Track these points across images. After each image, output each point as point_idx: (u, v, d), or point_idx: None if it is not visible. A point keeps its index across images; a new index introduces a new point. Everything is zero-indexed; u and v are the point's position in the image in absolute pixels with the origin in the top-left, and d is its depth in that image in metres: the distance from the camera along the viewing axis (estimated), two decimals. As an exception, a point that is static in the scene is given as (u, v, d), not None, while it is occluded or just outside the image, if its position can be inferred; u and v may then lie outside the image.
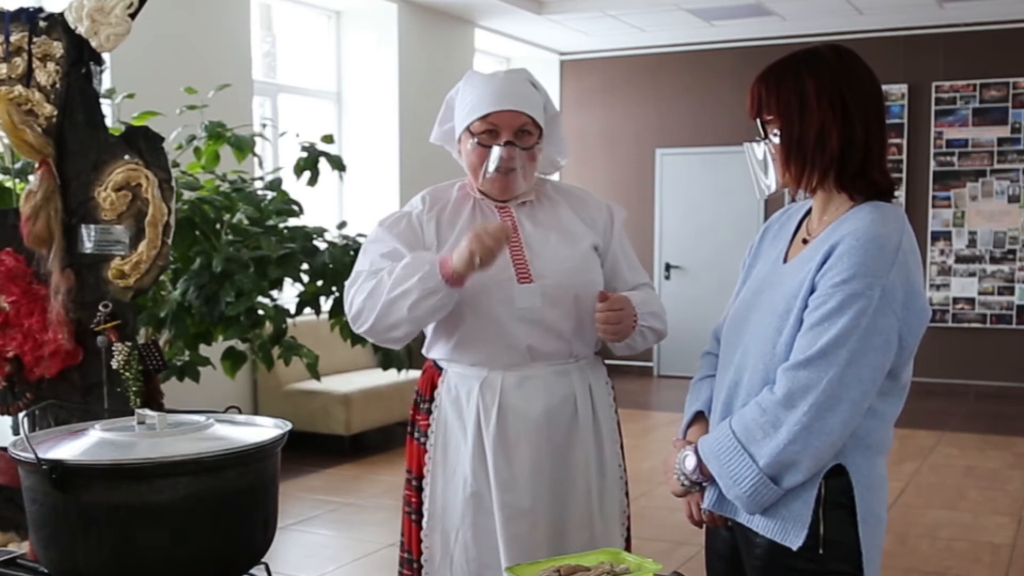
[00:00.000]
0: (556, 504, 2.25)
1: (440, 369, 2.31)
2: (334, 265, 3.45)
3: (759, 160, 1.87)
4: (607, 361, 2.42)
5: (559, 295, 2.24)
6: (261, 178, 3.96)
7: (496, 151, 2.21)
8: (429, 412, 2.29)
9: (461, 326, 2.23)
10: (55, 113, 2.22)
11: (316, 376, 3.58)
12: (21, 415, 2.22)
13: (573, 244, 2.31)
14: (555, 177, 2.53)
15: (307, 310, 3.57)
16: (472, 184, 2.34)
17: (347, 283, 2.27)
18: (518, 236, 2.28)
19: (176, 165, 3.35)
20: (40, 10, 2.29)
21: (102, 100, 2.31)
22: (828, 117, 1.76)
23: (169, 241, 2.21)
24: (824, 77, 1.77)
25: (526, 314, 2.22)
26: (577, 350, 2.30)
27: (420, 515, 2.28)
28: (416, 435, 2.33)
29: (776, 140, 1.81)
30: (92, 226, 2.21)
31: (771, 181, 1.86)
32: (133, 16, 2.21)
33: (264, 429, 1.66)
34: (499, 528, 2.20)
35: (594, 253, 2.34)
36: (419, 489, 2.30)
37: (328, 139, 3.87)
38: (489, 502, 2.22)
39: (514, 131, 2.24)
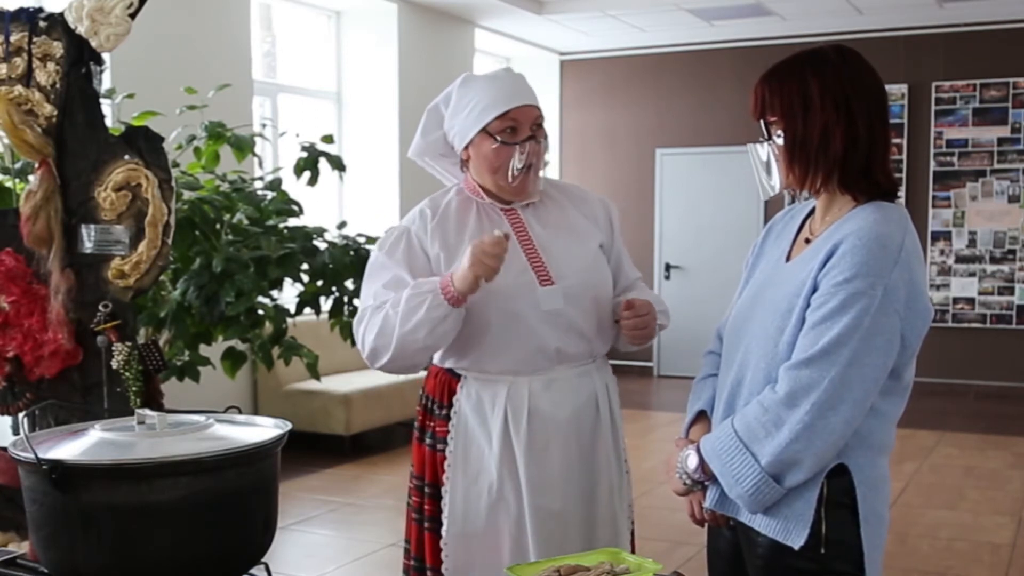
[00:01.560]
0: (585, 503, 2.26)
1: (458, 376, 2.28)
2: (334, 265, 3.44)
3: (763, 161, 1.87)
4: (613, 361, 2.44)
5: (579, 294, 2.25)
6: (261, 178, 3.96)
7: (527, 147, 2.21)
8: (447, 419, 2.26)
9: (488, 335, 2.21)
10: (55, 113, 2.22)
11: (316, 376, 3.58)
12: (21, 415, 2.22)
13: (583, 243, 2.32)
14: (551, 174, 2.52)
15: (307, 310, 3.56)
16: (473, 187, 2.31)
17: (355, 320, 2.27)
18: (530, 239, 2.28)
19: (176, 165, 3.35)
20: (40, 10, 2.29)
21: (102, 100, 2.31)
22: (832, 118, 1.76)
23: (169, 241, 2.21)
24: (828, 78, 1.77)
25: (552, 316, 2.21)
26: (596, 350, 2.32)
27: (436, 522, 2.26)
28: (429, 441, 2.29)
29: (780, 141, 1.81)
30: (92, 226, 2.21)
31: (775, 182, 1.86)
32: (133, 16, 2.21)
33: (264, 429, 1.66)
34: (531, 531, 2.20)
35: (601, 251, 2.35)
36: (433, 496, 2.27)
37: (328, 139, 3.87)
38: (515, 506, 2.21)
39: (531, 125, 2.23)
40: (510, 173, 2.22)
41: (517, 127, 2.21)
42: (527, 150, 2.21)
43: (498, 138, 2.21)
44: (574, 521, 2.24)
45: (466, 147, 2.28)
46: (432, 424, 2.30)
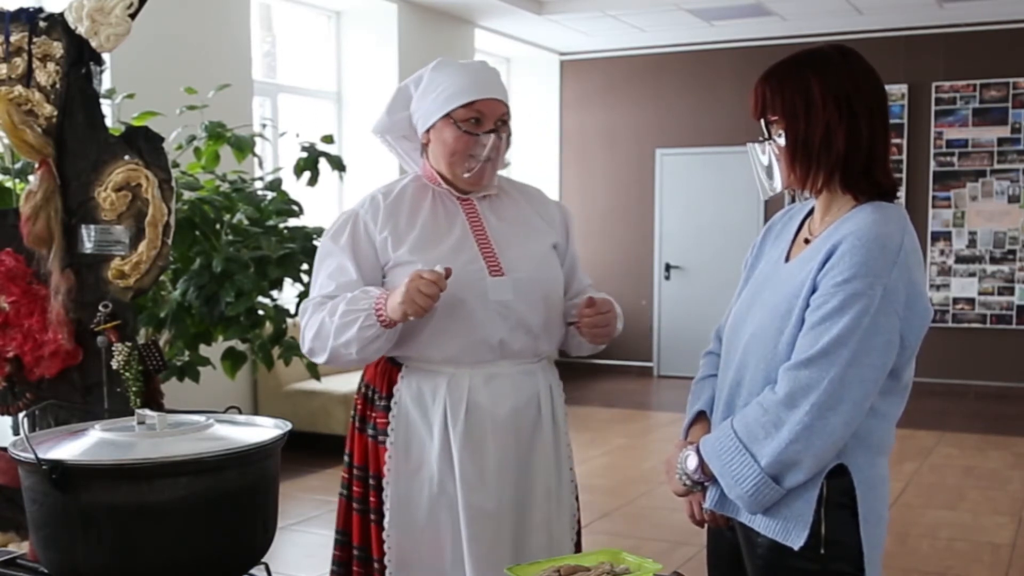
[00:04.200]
0: (519, 505, 2.24)
1: (398, 365, 2.27)
2: (334, 265, 3.44)
3: (763, 162, 1.86)
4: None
5: (529, 289, 2.24)
6: (261, 178, 3.97)
7: (489, 139, 2.21)
8: (387, 410, 2.24)
9: (432, 322, 2.18)
10: (55, 113, 2.22)
11: (316, 376, 3.58)
12: (21, 415, 2.22)
13: (537, 240, 2.32)
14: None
15: (307, 310, 3.56)
16: (431, 175, 2.31)
17: (300, 309, 2.28)
18: (484, 229, 2.27)
19: (176, 165, 3.35)
20: (40, 10, 2.29)
21: (102, 100, 2.31)
22: (834, 117, 1.75)
23: (169, 241, 2.21)
24: (829, 77, 1.77)
25: (499, 307, 2.21)
26: (543, 348, 2.30)
27: (380, 514, 2.25)
28: (371, 432, 2.28)
29: (781, 141, 1.81)
30: (92, 226, 2.21)
31: (776, 182, 1.85)
32: (133, 16, 2.21)
33: (264, 429, 1.66)
34: (463, 527, 2.19)
35: (554, 251, 2.35)
36: (378, 488, 2.26)
37: (328, 139, 3.87)
38: (455, 500, 2.20)
39: (496, 120, 2.23)
40: (467, 163, 2.22)
41: (482, 119, 2.21)
42: (489, 143, 2.21)
43: (461, 126, 2.21)
44: (506, 522, 2.22)
45: (428, 130, 2.28)
46: (373, 415, 2.28)
